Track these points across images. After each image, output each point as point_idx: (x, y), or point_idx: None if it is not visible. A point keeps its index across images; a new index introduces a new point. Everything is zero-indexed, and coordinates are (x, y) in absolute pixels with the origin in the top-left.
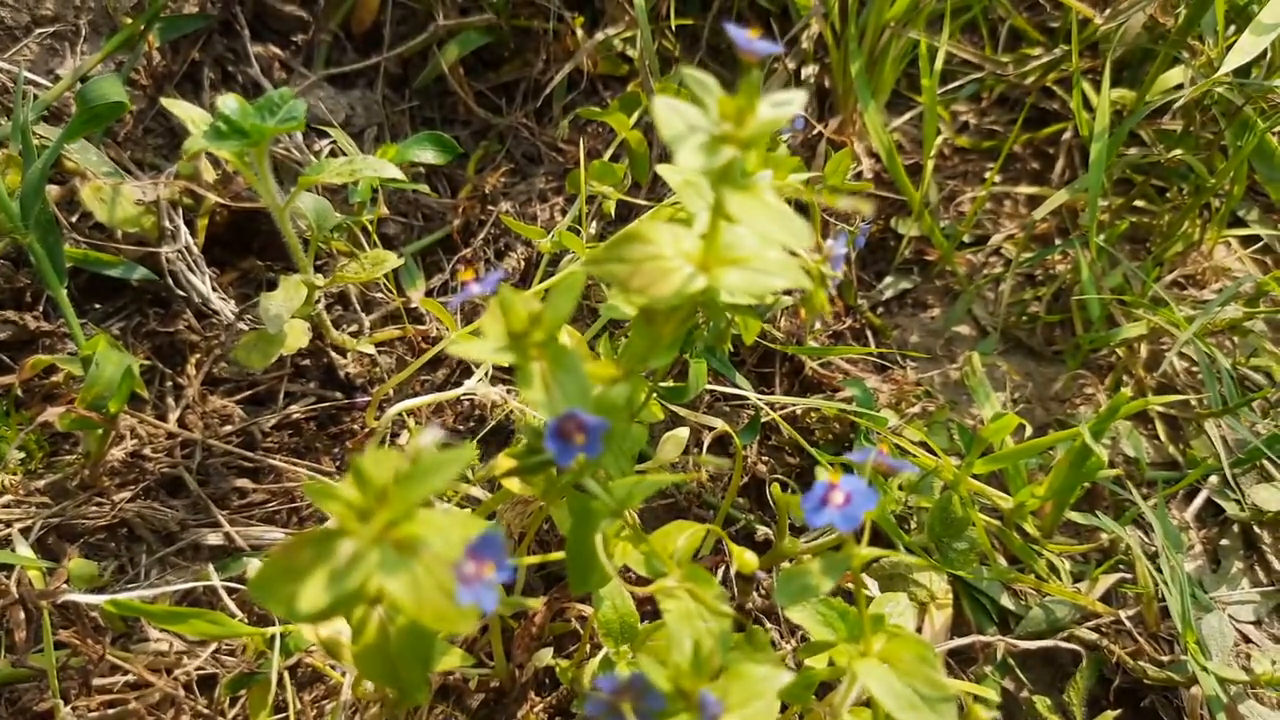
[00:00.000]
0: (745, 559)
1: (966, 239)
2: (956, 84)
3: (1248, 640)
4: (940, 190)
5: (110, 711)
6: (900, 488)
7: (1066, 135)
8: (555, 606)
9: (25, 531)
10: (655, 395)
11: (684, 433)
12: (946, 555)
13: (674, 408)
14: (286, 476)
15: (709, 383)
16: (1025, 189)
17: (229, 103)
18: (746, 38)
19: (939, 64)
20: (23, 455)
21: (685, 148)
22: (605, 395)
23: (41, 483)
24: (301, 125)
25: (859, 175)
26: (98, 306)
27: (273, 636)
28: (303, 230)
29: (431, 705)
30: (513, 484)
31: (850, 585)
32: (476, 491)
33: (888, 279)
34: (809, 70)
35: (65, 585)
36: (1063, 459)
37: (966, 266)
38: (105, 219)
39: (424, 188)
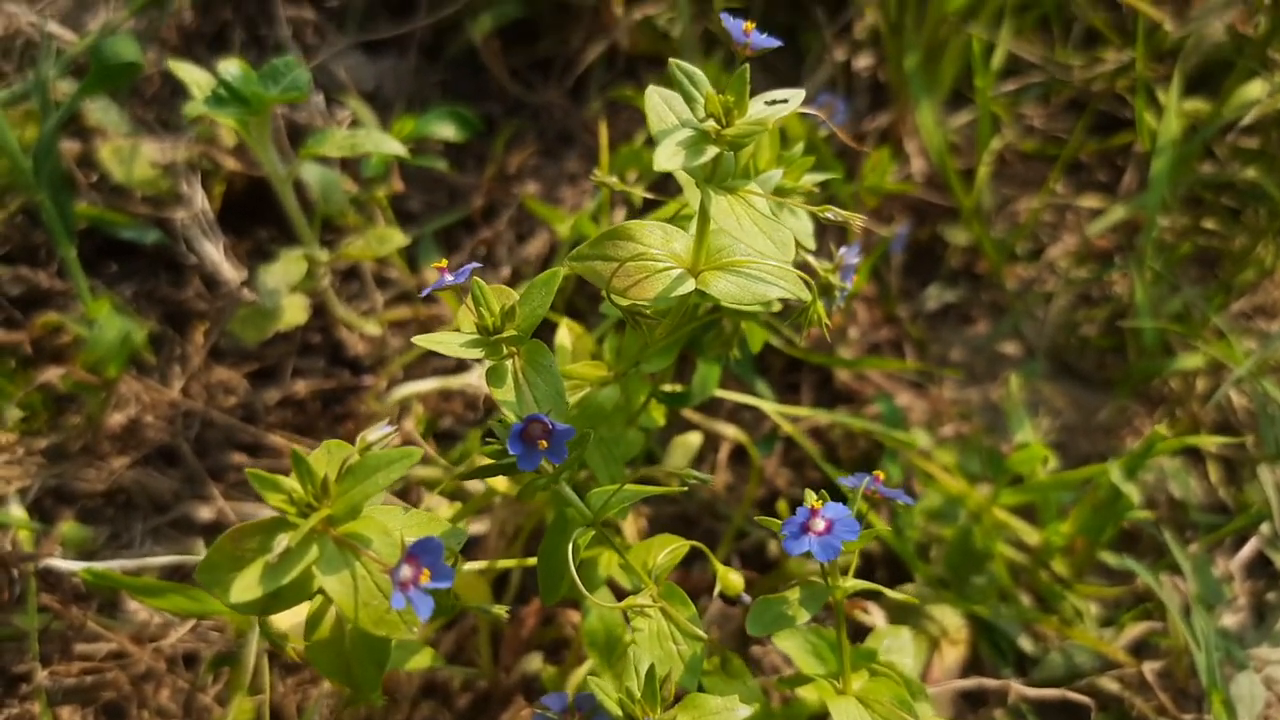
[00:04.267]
0: (730, 580)
1: (1020, 251)
2: (1022, 85)
3: None
4: (996, 197)
5: (89, 679)
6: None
7: (1138, 146)
8: (546, 611)
9: (23, 492)
10: (657, 399)
11: (695, 439)
12: (964, 589)
13: (689, 414)
14: (286, 454)
15: (732, 389)
16: (1089, 201)
17: (230, 69)
18: (741, 30)
19: (998, 61)
20: (26, 414)
21: (665, 144)
22: (593, 397)
23: (43, 443)
24: (304, 96)
25: (908, 176)
26: (112, 268)
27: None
28: (312, 202)
29: (417, 703)
30: (499, 482)
31: (858, 614)
32: (474, 485)
33: (931, 289)
34: (863, 62)
35: (58, 549)
36: (1088, 496)
37: (1017, 281)
38: (122, 179)
39: (440, 164)
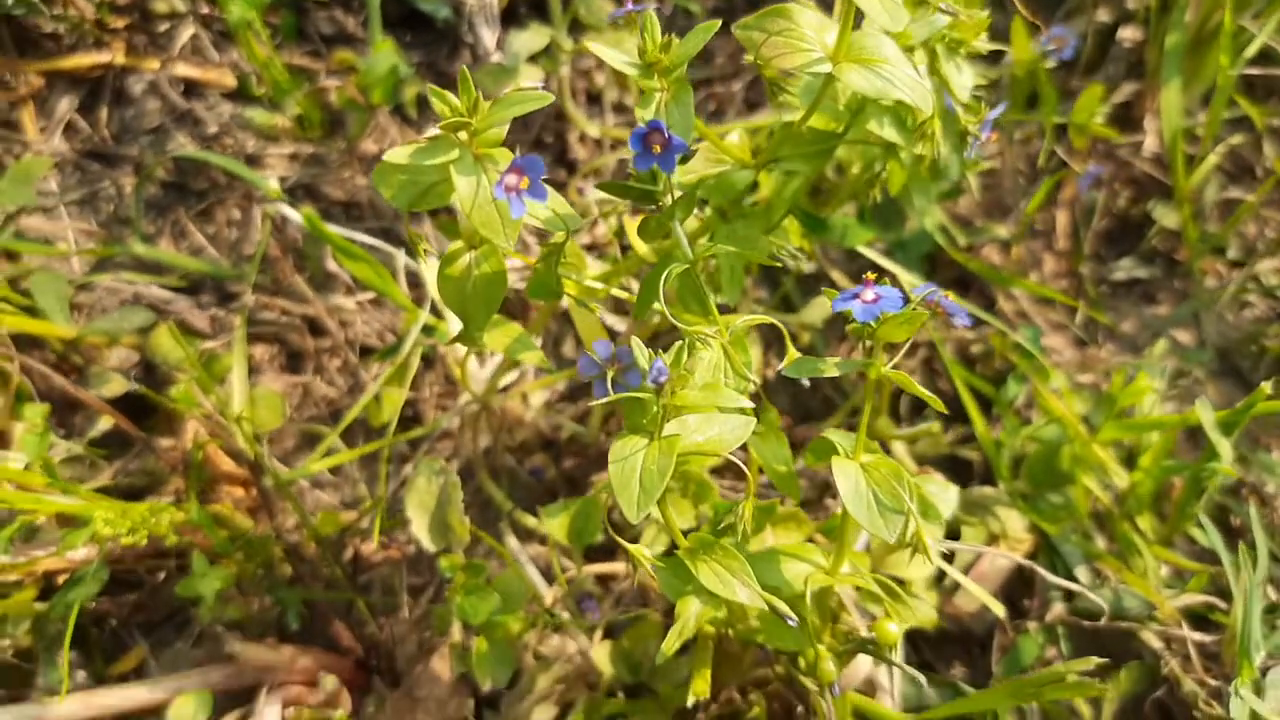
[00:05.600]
0: (795, 356)
1: (1232, 255)
2: None
3: None
4: (1220, 196)
5: (283, 320)
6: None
7: None
8: None
9: (282, 179)
10: (795, 215)
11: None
12: (1038, 504)
13: (838, 279)
14: None
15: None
16: None
17: None
18: None
19: (1253, 50)
20: (302, 116)
21: None
22: (729, 174)
23: (309, 149)
24: None
25: (1137, 149)
26: (407, 37)
27: (424, 323)
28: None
29: (531, 450)
30: (640, 246)
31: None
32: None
33: (1125, 261)
34: (1129, 34)
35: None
36: (1168, 434)
37: (1214, 276)
38: None
39: (695, 6)
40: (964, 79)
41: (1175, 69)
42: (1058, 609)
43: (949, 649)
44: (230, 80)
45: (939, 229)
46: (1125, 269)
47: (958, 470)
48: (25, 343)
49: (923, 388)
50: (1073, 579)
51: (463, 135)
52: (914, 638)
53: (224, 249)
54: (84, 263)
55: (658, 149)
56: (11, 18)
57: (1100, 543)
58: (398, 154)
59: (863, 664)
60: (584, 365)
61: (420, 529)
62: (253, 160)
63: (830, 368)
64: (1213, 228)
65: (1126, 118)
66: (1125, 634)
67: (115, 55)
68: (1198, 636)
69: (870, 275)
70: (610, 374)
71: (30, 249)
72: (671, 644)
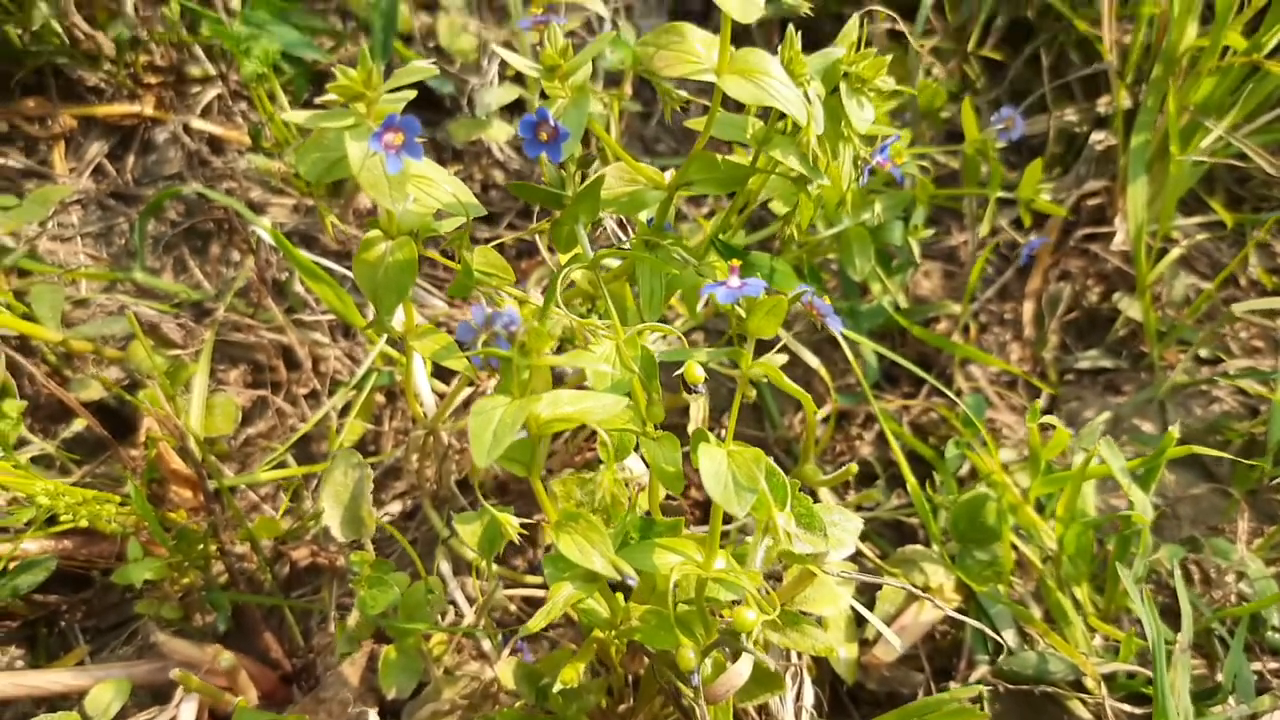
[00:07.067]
0: (694, 371)
1: (1204, 354)
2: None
3: None
4: (1190, 291)
5: (252, 339)
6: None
7: None
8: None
9: (281, 225)
10: (714, 243)
11: (777, 358)
12: (965, 561)
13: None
14: None
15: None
16: None
17: None
18: None
19: (1208, 141)
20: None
21: None
22: (640, 192)
23: (310, 202)
24: None
25: (1106, 244)
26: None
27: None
28: None
29: (485, 492)
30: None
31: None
32: None
33: (1091, 352)
34: (1101, 136)
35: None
36: (1076, 480)
37: (1185, 376)
38: (445, 44)
39: None
40: (865, 113)
41: (1141, 167)
42: (982, 670)
43: (878, 713)
44: (247, 139)
45: (893, 304)
46: (1091, 359)
47: (902, 536)
48: (22, 352)
49: (871, 457)
50: (998, 638)
51: (360, 106)
52: (840, 700)
53: (216, 283)
54: (90, 287)
55: (545, 137)
56: (58, 68)
57: (1036, 612)
58: (297, 115)
59: (741, 670)
60: (461, 331)
61: (333, 519)
62: (256, 207)
63: (701, 355)
64: (1182, 321)
65: (1100, 218)
66: (1055, 703)
67: (145, 107)
68: (1126, 708)
69: (735, 261)
70: (483, 337)
71: (41, 269)
72: (538, 623)
